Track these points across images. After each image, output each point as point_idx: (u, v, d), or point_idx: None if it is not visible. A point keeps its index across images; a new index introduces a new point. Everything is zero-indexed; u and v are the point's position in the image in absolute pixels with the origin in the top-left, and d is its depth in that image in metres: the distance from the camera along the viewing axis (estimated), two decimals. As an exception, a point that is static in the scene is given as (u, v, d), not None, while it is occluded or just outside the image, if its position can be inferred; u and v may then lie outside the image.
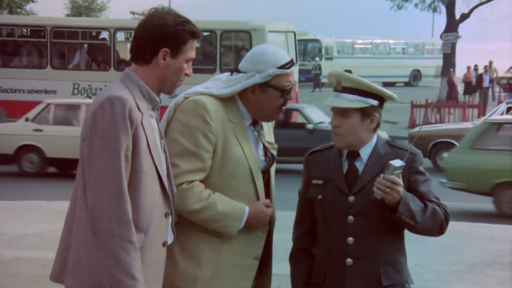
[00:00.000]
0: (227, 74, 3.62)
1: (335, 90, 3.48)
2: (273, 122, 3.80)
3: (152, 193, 3.12)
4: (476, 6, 39.46)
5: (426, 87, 42.56)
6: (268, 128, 3.72)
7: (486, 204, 12.86)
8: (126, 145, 3.04)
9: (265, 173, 3.63)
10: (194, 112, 3.47)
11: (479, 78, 34.57)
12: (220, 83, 3.57)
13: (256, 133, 3.62)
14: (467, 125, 17.89)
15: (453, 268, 8.28)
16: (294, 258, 3.60)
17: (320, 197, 3.48)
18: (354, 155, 3.48)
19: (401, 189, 3.32)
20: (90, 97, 20.68)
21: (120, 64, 21.28)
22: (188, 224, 3.50)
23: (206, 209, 3.45)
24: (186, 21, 3.21)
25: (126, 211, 3.01)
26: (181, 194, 3.42)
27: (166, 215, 3.19)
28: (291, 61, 3.57)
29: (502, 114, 17.49)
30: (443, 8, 41.03)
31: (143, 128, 3.11)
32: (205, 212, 3.46)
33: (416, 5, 42.40)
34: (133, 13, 22.68)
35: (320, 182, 3.48)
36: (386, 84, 45.51)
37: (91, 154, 3.04)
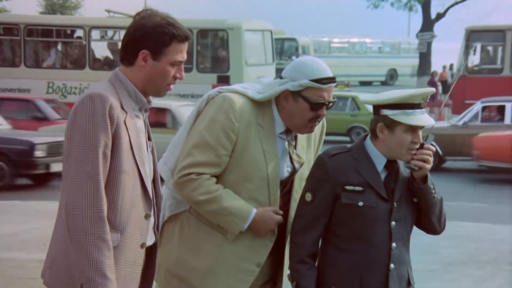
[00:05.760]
0: (270, 78, 3.64)
1: (419, 108, 3.37)
2: (320, 139, 3.73)
3: (131, 193, 3.08)
4: (452, 6, 39.71)
5: (402, 86, 42.74)
6: (305, 142, 3.65)
7: (461, 202, 12.92)
8: (104, 142, 3.01)
9: (287, 183, 3.59)
10: (220, 107, 3.49)
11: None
12: (259, 87, 3.58)
13: (286, 142, 3.58)
14: (443, 123, 18.06)
15: (429, 267, 8.30)
16: (306, 263, 3.46)
17: (361, 204, 3.40)
18: (395, 163, 3.46)
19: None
20: (64, 96, 20.55)
21: (95, 63, 21.17)
22: (196, 215, 3.53)
23: (211, 201, 3.46)
24: (170, 24, 3.13)
25: (101, 208, 2.98)
26: (188, 184, 3.45)
27: (146, 216, 3.14)
28: (331, 78, 3.50)
29: (477, 113, 17.61)
30: (419, 7, 41.26)
31: (126, 128, 3.07)
32: (210, 204, 3.46)
33: (392, 4, 42.60)
34: (108, 11, 22.55)
35: (359, 188, 3.40)
36: (362, 83, 45.69)
37: (70, 150, 3.01)
